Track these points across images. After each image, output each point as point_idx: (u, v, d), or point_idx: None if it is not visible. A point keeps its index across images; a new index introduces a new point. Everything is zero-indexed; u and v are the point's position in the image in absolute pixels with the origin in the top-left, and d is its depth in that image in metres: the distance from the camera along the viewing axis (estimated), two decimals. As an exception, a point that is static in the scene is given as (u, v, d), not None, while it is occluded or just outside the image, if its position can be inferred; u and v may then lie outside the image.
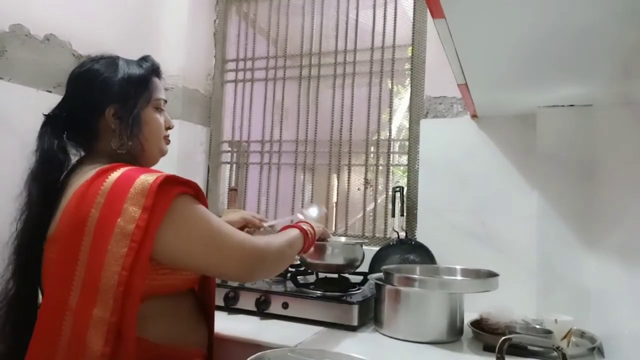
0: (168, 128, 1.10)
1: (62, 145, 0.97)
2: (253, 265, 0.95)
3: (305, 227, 1.21)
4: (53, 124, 0.98)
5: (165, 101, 1.10)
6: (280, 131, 2.12)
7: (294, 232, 1.17)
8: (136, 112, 1.00)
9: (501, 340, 0.83)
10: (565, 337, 1.15)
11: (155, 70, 1.08)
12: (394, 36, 1.91)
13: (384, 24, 1.93)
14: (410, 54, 1.85)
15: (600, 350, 1.17)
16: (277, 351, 0.88)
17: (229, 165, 2.23)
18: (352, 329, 1.26)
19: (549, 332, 1.15)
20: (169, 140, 1.11)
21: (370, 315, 1.34)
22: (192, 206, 0.90)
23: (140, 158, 1.04)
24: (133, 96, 1.00)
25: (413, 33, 1.84)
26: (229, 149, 2.23)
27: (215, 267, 0.92)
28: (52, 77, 1.49)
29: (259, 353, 0.85)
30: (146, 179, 0.84)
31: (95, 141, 1.00)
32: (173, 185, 0.87)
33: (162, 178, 0.85)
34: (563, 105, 1.39)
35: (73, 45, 1.57)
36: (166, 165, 1.07)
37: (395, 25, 1.91)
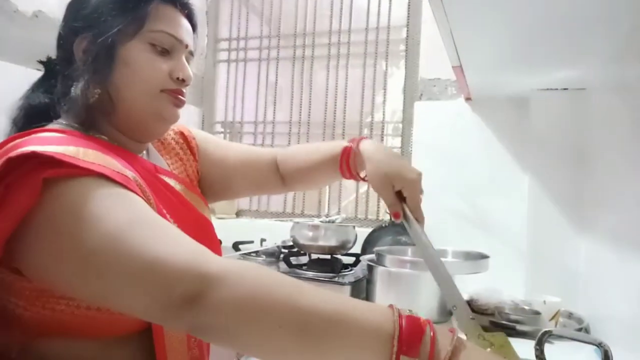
0: (177, 79, 0.72)
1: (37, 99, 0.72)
2: (176, 302, 0.48)
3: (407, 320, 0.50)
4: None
5: (181, 42, 0.73)
6: (274, 112, 2.11)
7: (371, 311, 0.51)
8: (108, 43, 0.67)
9: (541, 332, 0.80)
10: (553, 317, 1.17)
11: None
12: (389, 17, 1.89)
13: (379, 4, 1.90)
14: (405, 36, 1.84)
15: (587, 331, 1.19)
16: None
17: (221, 146, 2.21)
18: None
19: (538, 313, 1.17)
20: (182, 100, 0.74)
21: (362, 296, 1.35)
22: (68, 197, 0.53)
23: (117, 120, 0.71)
24: (107, 21, 0.67)
25: (408, 14, 1.82)
26: (222, 129, 2.21)
27: (106, 299, 0.55)
28: (41, 55, 1.45)
29: None
30: (16, 154, 0.53)
31: (64, 90, 0.69)
32: (38, 166, 0.53)
33: (19, 153, 0.53)
34: (557, 89, 1.39)
35: (62, 22, 1.54)
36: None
37: (390, 6, 1.89)
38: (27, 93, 0.74)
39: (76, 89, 0.66)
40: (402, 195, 0.81)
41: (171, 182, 0.77)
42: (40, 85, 0.74)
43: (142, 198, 0.59)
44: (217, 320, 0.49)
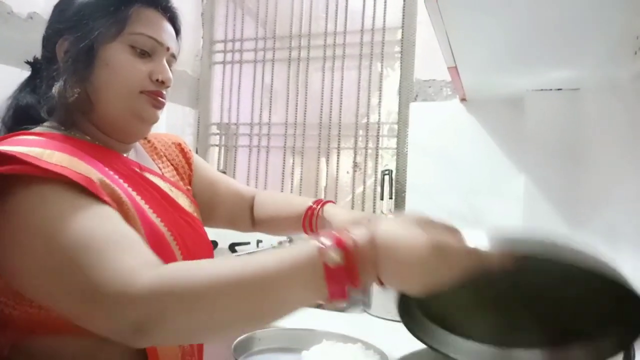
0: (157, 81, 0.74)
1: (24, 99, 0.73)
2: (129, 320, 0.50)
3: (335, 239, 0.51)
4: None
5: (162, 44, 0.75)
6: (270, 114, 2.11)
7: (289, 255, 0.52)
8: (87, 44, 0.68)
9: None
10: (549, 316, 1.17)
11: None
12: (384, 18, 1.89)
13: (374, 6, 1.91)
14: (400, 37, 1.85)
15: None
16: (268, 331, 0.89)
17: (217, 148, 2.21)
18: (341, 309, 1.28)
19: (534, 312, 1.17)
20: (161, 102, 0.75)
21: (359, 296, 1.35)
22: (25, 203, 0.55)
23: (97, 119, 0.72)
24: (89, 23, 0.69)
25: (403, 15, 1.83)
26: (218, 131, 2.21)
27: (69, 314, 0.55)
28: (36, 57, 1.45)
29: (249, 333, 0.86)
30: None
31: (46, 89, 0.70)
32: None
33: None
34: (551, 89, 1.40)
35: (57, 24, 1.54)
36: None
37: (385, 7, 1.89)
38: (15, 93, 0.75)
39: (55, 88, 0.68)
40: None
41: (155, 179, 0.78)
42: (27, 85, 0.76)
43: (106, 201, 0.59)
44: (166, 337, 0.53)
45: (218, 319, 0.52)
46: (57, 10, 0.74)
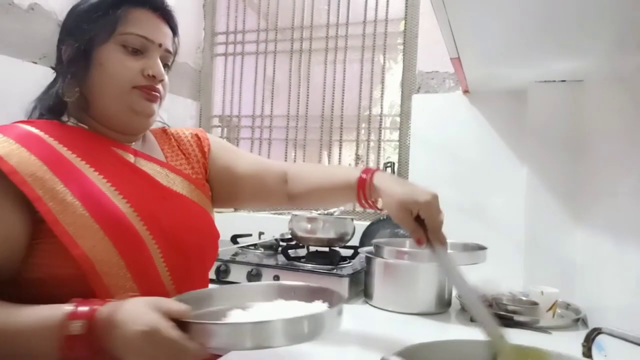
0: (148, 76, 0.79)
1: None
2: None
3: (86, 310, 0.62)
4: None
5: (152, 42, 0.80)
6: (271, 106, 2.11)
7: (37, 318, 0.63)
8: (83, 47, 0.76)
9: (590, 330, 0.74)
10: (550, 308, 1.17)
11: None
12: (387, 10, 1.88)
13: (377, -3, 1.90)
14: (402, 28, 1.84)
15: (584, 322, 1.20)
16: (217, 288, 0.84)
17: (219, 140, 2.21)
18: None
19: (535, 303, 1.17)
20: (154, 95, 0.81)
21: (360, 287, 1.35)
22: None
23: (95, 114, 0.80)
24: (84, 28, 0.77)
25: (406, 6, 1.82)
26: (220, 123, 2.21)
27: None
28: (37, 48, 1.45)
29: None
30: None
31: (49, 89, 0.81)
32: None
33: None
34: (555, 81, 1.39)
35: (59, 16, 1.53)
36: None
37: (388, -1, 1.88)
38: (40, 95, 0.83)
39: (58, 89, 0.77)
40: (422, 221, 0.81)
41: (148, 165, 0.84)
42: (50, 88, 0.83)
43: (24, 191, 0.66)
44: None
45: None
46: (64, 18, 0.81)
